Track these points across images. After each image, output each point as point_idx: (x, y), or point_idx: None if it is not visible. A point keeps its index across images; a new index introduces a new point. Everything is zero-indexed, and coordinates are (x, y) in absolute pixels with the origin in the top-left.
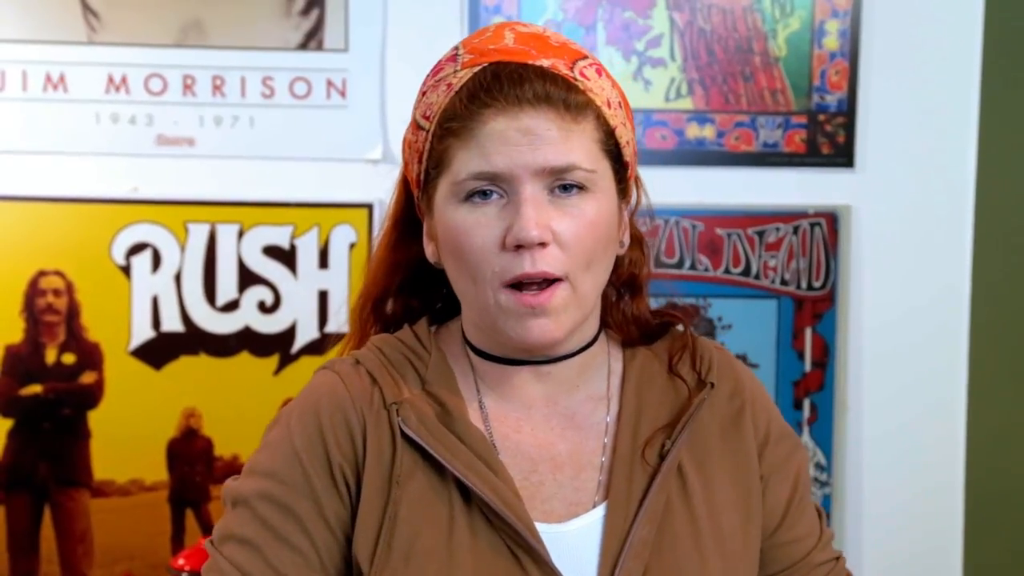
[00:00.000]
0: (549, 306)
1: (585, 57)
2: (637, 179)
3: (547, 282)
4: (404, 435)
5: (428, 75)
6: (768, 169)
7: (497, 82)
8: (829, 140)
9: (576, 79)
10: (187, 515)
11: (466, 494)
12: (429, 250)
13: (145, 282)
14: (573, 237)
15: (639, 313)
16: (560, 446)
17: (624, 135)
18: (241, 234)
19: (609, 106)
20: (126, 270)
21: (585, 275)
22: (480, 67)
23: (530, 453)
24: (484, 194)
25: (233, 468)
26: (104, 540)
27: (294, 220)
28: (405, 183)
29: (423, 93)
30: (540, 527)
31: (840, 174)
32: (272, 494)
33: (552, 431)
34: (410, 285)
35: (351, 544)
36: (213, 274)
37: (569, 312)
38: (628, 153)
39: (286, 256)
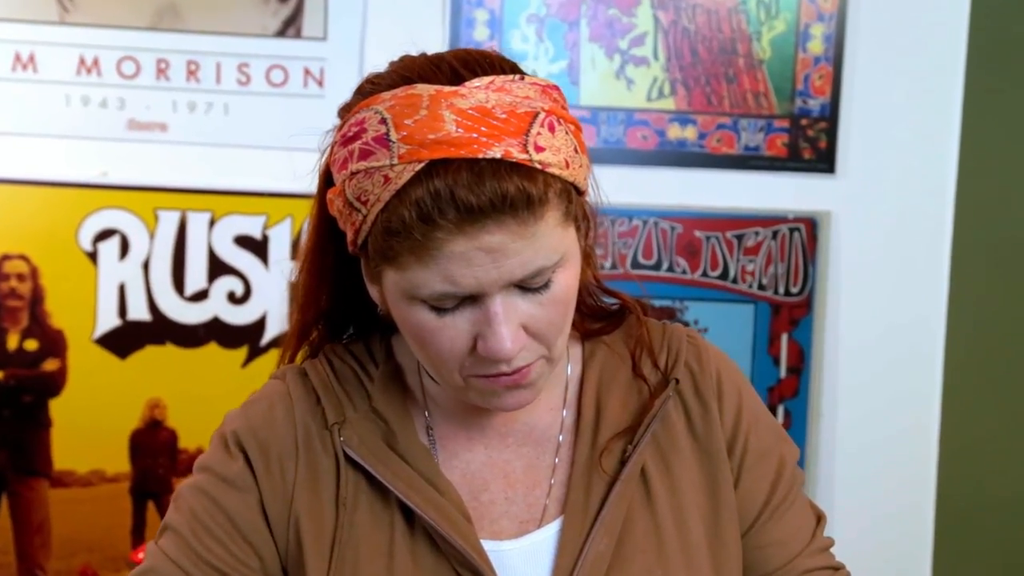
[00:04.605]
0: (526, 381)
1: (536, 117)
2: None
3: None
4: (347, 457)
5: (351, 142)
6: (749, 172)
7: (450, 196)
8: (811, 145)
9: (532, 161)
10: (149, 508)
11: (410, 516)
12: (374, 294)
13: (112, 269)
14: (546, 325)
15: (590, 292)
16: (516, 463)
17: (581, 174)
18: (212, 223)
19: (568, 166)
20: (93, 256)
21: (558, 341)
22: (423, 165)
23: (482, 472)
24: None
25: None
26: (63, 531)
27: (267, 210)
28: (324, 200)
29: (352, 173)
30: (488, 545)
31: (821, 179)
32: (202, 487)
33: (508, 448)
34: (350, 304)
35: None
36: (182, 263)
37: (545, 375)
38: (585, 185)
39: (258, 246)
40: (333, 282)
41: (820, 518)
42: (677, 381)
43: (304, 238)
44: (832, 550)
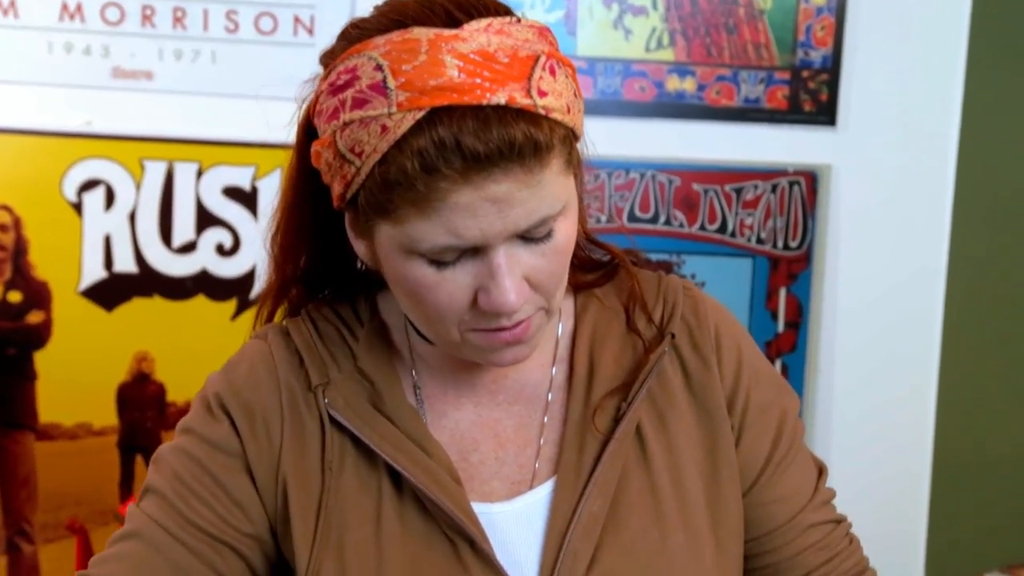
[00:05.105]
0: (525, 337)
1: (537, 60)
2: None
3: None
4: (332, 419)
5: (341, 90)
6: (748, 125)
7: (456, 144)
8: (812, 97)
9: (537, 107)
10: (137, 462)
11: (397, 480)
12: (361, 250)
13: (97, 220)
14: (548, 276)
15: (579, 243)
16: (506, 421)
17: (580, 119)
18: (200, 173)
19: (569, 111)
20: (78, 207)
21: (557, 293)
22: (424, 113)
23: (471, 431)
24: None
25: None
26: (49, 485)
27: (256, 160)
28: (305, 153)
29: (345, 124)
30: (479, 508)
31: (821, 132)
32: (186, 449)
33: (499, 406)
34: (330, 262)
35: (279, 500)
36: (169, 214)
37: (543, 329)
38: (582, 130)
39: (247, 198)
40: (312, 239)
41: (822, 470)
42: (673, 336)
43: (280, 193)
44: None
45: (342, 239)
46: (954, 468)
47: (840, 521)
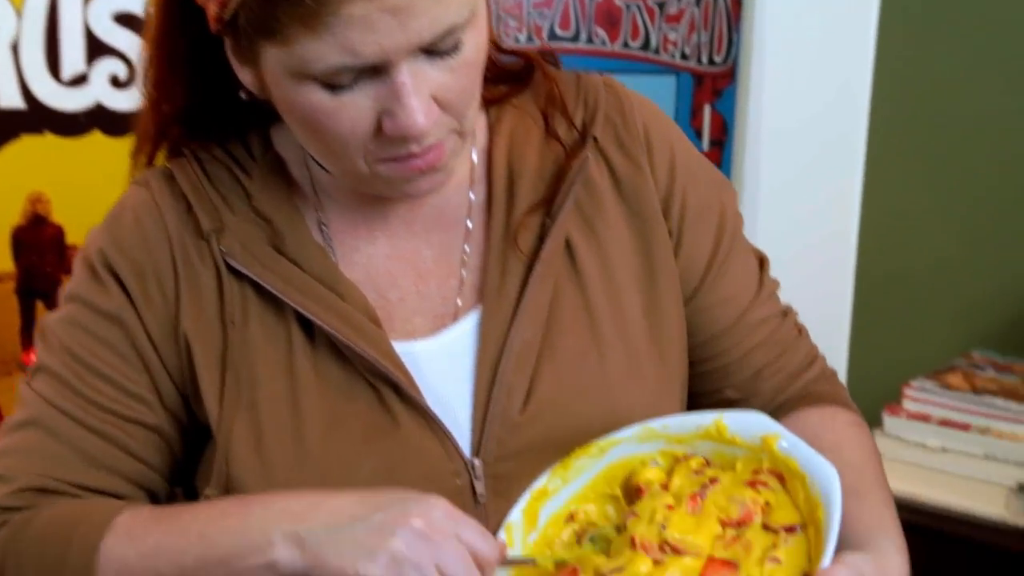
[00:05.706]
0: (439, 163)
1: None
2: None
3: None
4: (230, 267)
5: None
6: None
7: None
8: None
9: None
10: (38, 307)
11: (309, 327)
12: (246, 78)
13: None
14: (458, 93)
15: (488, 52)
16: (425, 252)
17: None
18: None
19: None
20: None
21: (469, 112)
22: None
23: (387, 266)
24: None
25: None
26: None
27: None
28: None
29: None
30: (400, 347)
31: None
32: (76, 319)
33: (416, 236)
34: (212, 96)
35: (185, 358)
36: (56, 44)
37: (457, 153)
38: None
39: (141, 25)
40: (189, 71)
41: (763, 261)
42: (596, 139)
43: (147, 21)
44: None
45: (224, 68)
46: (877, 279)
47: (787, 313)
